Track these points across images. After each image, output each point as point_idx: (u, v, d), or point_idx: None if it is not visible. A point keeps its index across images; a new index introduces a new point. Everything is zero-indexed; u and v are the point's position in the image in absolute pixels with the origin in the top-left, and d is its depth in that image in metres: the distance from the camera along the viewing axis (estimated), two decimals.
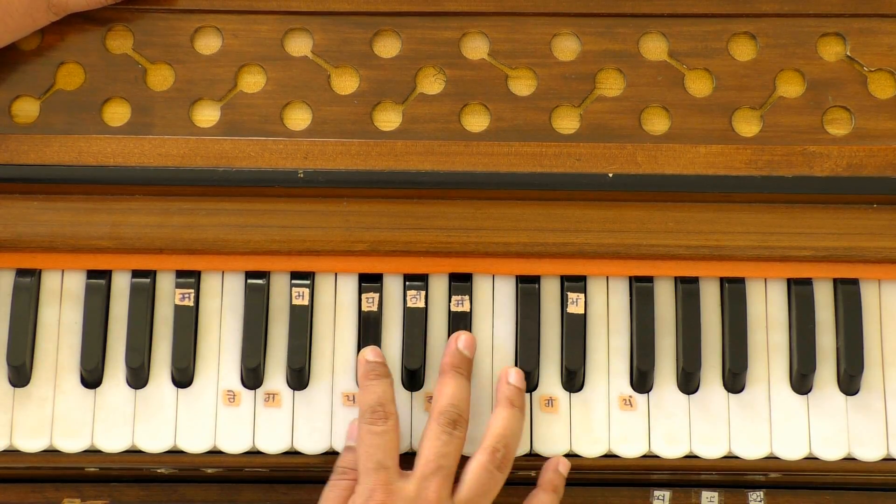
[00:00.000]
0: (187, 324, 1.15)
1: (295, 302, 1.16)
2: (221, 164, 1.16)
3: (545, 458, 1.14)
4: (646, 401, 1.15)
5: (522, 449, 1.14)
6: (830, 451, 1.14)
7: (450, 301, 1.16)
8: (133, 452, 1.14)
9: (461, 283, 1.16)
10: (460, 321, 1.15)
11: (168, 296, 1.16)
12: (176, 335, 1.15)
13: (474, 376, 1.15)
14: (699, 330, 1.15)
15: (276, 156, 1.16)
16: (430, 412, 1.12)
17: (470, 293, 1.16)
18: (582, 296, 1.16)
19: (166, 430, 1.14)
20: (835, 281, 1.17)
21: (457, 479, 1.10)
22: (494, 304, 1.17)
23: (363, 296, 1.16)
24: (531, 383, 1.15)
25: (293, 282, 1.16)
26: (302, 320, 1.15)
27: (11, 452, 1.14)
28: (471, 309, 1.16)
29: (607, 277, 1.17)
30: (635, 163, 1.16)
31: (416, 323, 1.15)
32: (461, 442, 1.10)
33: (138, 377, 1.14)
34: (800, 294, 1.16)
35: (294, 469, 1.16)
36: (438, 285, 1.17)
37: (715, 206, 1.16)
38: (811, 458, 1.15)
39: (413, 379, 1.15)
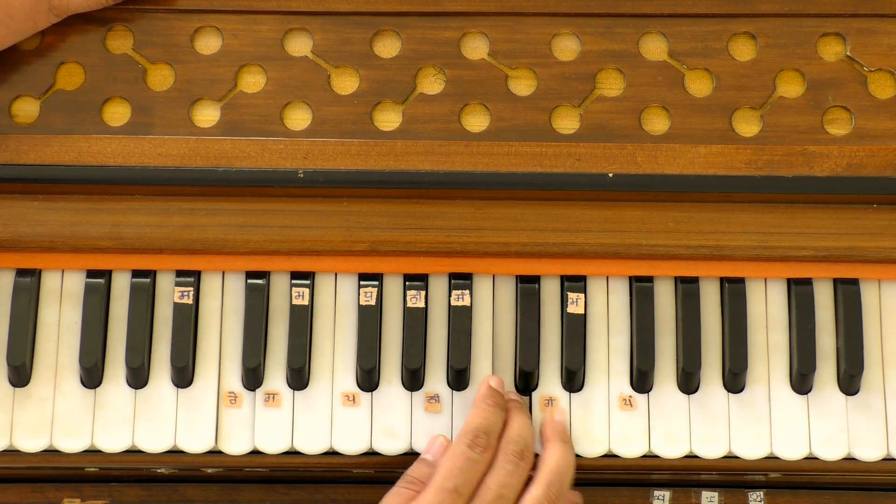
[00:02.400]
0: (186, 322, 1.15)
1: (295, 302, 1.16)
2: (221, 164, 1.16)
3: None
4: (646, 401, 1.15)
5: None
6: (830, 451, 1.14)
7: (450, 296, 1.16)
8: (133, 452, 1.14)
9: (461, 279, 1.16)
10: (461, 316, 1.15)
11: (168, 296, 1.16)
12: (175, 333, 1.15)
13: (473, 377, 1.15)
14: (699, 330, 1.15)
15: (276, 156, 1.16)
16: (497, 441, 1.10)
17: (470, 289, 1.16)
18: (582, 296, 1.16)
19: (166, 430, 1.14)
20: (835, 281, 1.17)
21: None
22: (494, 303, 1.17)
23: (361, 290, 1.16)
24: (531, 383, 1.15)
25: (293, 282, 1.16)
26: (302, 320, 1.15)
27: (11, 452, 1.14)
28: (471, 304, 1.16)
29: (607, 277, 1.17)
30: (635, 163, 1.16)
31: (416, 323, 1.15)
32: (525, 475, 1.09)
33: (138, 377, 1.15)
34: (800, 294, 1.16)
35: (294, 469, 1.16)
36: (438, 285, 1.17)
37: (715, 206, 1.16)
38: (811, 458, 1.15)
39: (413, 379, 1.15)
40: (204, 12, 1.20)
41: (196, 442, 1.14)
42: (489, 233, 1.15)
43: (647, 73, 1.19)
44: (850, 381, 1.14)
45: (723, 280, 1.17)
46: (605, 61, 1.19)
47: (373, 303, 1.15)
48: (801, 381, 1.15)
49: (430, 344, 1.16)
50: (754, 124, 1.18)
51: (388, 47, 1.20)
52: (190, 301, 1.15)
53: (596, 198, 1.16)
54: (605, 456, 1.14)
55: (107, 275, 1.16)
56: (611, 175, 1.15)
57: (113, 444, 1.14)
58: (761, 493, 1.18)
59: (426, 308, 1.16)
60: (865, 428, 1.14)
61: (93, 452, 1.14)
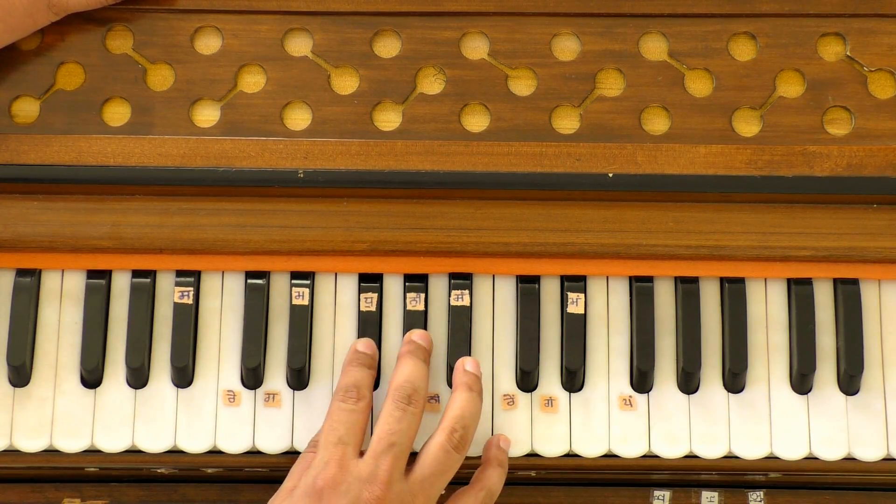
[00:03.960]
0: (186, 322, 1.15)
1: (295, 302, 1.16)
2: (221, 164, 1.16)
3: (545, 458, 1.14)
4: (646, 401, 1.15)
5: (523, 449, 1.14)
6: (830, 451, 1.14)
7: (450, 296, 1.16)
8: (133, 452, 1.14)
9: (461, 279, 1.16)
10: (460, 316, 1.15)
11: (168, 296, 1.16)
12: (175, 333, 1.15)
13: None
14: (699, 330, 1.15)
15: (276, 156, 1.16)
16: (387, 392, 1.11)
17: (470, 289, 1.16)
18: (582, 296, 1.16)
19: (166, 430, 1.14)
20: (835, 281, 1.17)
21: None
22: (494, 303, 1.17)
23: (361, 296, 1.16)
24: (531, 383, 1.15)
25: (293, 282, 1.16)
26: (302, 320, 1.15)
27: (11, 452, 1.14)
28: (471, 303, 1.16)
29: (607, 277, 1.17)
30: (635, 163, 1.16)
31: (415, 325, 1.15)
32: (416, 419, 1.09)
33: (138, 377, 1.15)
34: (800, 294, 1.16)
35: None
36: (438, 286, 1.17)
37: (715, 206, 1.16)
38: (811, 458, 1.15)
39: None
40: (204, 12, 1.20)
41: (196, 442, 1.14)
42: (489, 233, 1.15)
43: (647, 73, 1.19)
44: (850, 381, 1.15)
45: (723, 280, 1.17)
46: (605, 61, 1.19)
47: (373, 308, 1.16)
48: (801, 381, 1.15)
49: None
50: (754, 124, 1.18)
51: (388, 47, 1.20)
52: (190, 301, 1.15)
53: (596, 198, 1.16)
54: (605, 456, 1.14)
55: (107, 275, 1.16)
56: (611, 175, 1.15)
57: (113, 444, 1.14)
58: (761, 493, 1.18)
59: (426, 311, 1.16)
60: (865, 428, 1.14)
61: (93, 452, 1.14)
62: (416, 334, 1.14)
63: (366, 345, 1.14)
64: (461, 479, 1.11)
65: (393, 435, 1.08)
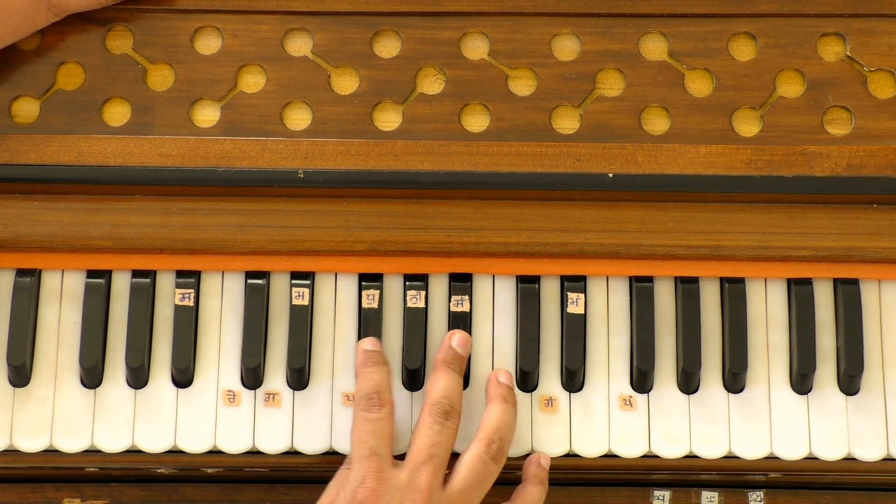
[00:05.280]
0: (187, 324, 1.15)
1: (295, 302, 1.16)
2: (221, 164, 1.16)
3: None
4: (646, 401, 1.15)
5: (523, 449, 1.14)
6: (830, 451, 1.14)
7: (449, 301, 1.16)
8: (133, 452, 1.14)
9: (461, 283, 1.16)
10: (460, 321, 1.15)
11: (168, 296, 1.16)
12: (176, 335, 1.15)
13: (474, 377, 1.15)
14: (699, 330, 1.15)
15: (276, 156, 1.16)
16: (423, 404, 1.11)
17: (470, 293, 1.16)
18: (582, 296, 1.16)
19: (166, 430, 1.14)
20: (835, 281, 1.17)
21: (449, 469, 1.10)
22: (494, 304, 1.17)
23: (363, 293, 1.16)
24: (531, 383, 1.15)
25: (293, 282, 1.16)
26: (302, 320, 1.15)
27: (11, 452, 1.14)
28: (471, 309, 1.16)
29: (607, 277, 1.17)
30: (635, 163, 1.16)
31: (416, 323, 1.15)
32: (453, 432, 1.10)
33: (138, 377, 1.15)
34: (800, 294, 1.16)
35: (294, 469, 1.16)
36: (438, 285, 1.17)
37: (715, 206, 1.16)
38: (811, 458, 1.15)
39: (413, 379, 1.15)
40: (204, 12, 1.20)
41: (196, 442, 1.14)
42: (489, 233, 1.15)
43: (647, 73, 1.19)
44: (850, 381, 1.14)
45: (723, 280, 1.17)
46: (605, 61, 1.19)
47: (375, 305, 1.16)
48: (801, 381, 1.15)
49: (430, 344, 1.16)
50: (754, 124, 1.18)
51: (388, 47, 1.20)
52: (191, 303, 1.15)
53: (596, 198, 1.16)
54: (605, 456, 1.14)
55: (107, 275, 1.16)
56: (611, 175, 1.15)
57: (113, 444, 1.14)
58: (761, 493, 1.18)
59: (426, 308, 1.16)
60: (865, 428, 1.14)
61: (93, 452, 1.14)
62: (456, 339, 1.14)
63: (373, 343, 1.14)
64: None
65: (433, 447, 1.08)
